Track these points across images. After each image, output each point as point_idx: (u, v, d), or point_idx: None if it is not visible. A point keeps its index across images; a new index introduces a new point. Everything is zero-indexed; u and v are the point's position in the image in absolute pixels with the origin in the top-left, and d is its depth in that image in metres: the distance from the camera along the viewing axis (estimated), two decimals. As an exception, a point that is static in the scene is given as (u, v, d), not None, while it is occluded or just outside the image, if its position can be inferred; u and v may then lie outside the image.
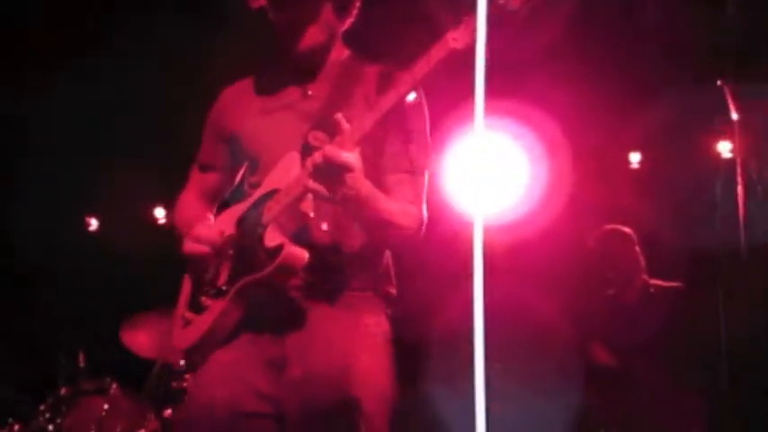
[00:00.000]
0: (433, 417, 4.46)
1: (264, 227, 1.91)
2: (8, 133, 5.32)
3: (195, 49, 4.75)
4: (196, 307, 2.03)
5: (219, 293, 1.97)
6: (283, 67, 2.14)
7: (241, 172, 2.16)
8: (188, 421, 2.05)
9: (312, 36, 2.05)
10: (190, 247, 2.01)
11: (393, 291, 2.09)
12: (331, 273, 1.96)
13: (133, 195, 5.79)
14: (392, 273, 2.10)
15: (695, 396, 3.92)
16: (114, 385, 3.87)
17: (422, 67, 1.76)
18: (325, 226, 1.97)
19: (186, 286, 2.11)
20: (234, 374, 1.93)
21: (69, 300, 5.60)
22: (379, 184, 1.96)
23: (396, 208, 1.97)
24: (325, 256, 1.94)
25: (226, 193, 2.23)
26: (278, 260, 1.85)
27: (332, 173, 1.77)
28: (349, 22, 2.15)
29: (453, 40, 1.71)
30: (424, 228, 2.04)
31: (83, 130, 5.32)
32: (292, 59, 2.10)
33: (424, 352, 4.69)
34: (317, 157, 1.77)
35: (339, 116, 1.82)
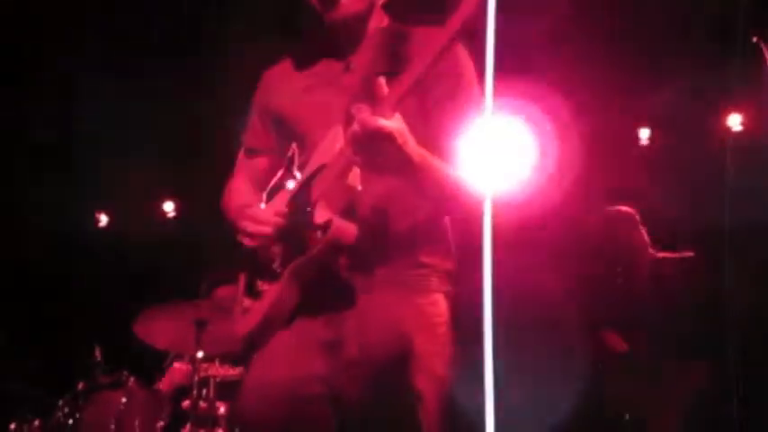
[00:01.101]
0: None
1: (314, 205, 1.87)
2: (15, 131, 5.34)
3: (205, 43, 4.74)
4: (253, 292, 1.99)
5: (275, 277, 1.93)
6: (322, 42, 2.09)
7: (289, 154, 2.10)
8: (246, 406, 2.03)
9: (349, 4, 2.00)
10: (252, 227, 1.95)
11: (452, 266, 2.02)
12: (383, 249, 1.91)
13: (142, 190, 5.80)
14: (452, 246, 2.03)
15: (704, 371, 3.90)
16: (131, 379, 3.89)
17: (454, 23, 1.66)
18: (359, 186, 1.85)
19: (242, 277, 2.07)
20: (289, 358, 1.91)
21: (83, 295, 5.64)
22: (435, 143, 1.88)
23: (456, 175, 1.88)
24: (377, 230, 1.89)
25: (274, 176, 2.17)
26: (327, 236, 1.80)
27: (371, 141, 1.69)
28: None
29: None
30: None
31: (91, 125, 5.33)
32: (331, 31, 2.05)
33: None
34: (355, 126, 1.69)
35: (381, 80, 1.74)
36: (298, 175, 2.00)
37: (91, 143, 5.40)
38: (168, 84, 5.04)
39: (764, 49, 2.95)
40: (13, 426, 3.77)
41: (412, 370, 1.86)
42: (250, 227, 1.96)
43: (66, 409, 3.80)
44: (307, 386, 1.89)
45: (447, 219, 2.03)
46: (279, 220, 1.93)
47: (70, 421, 3.78)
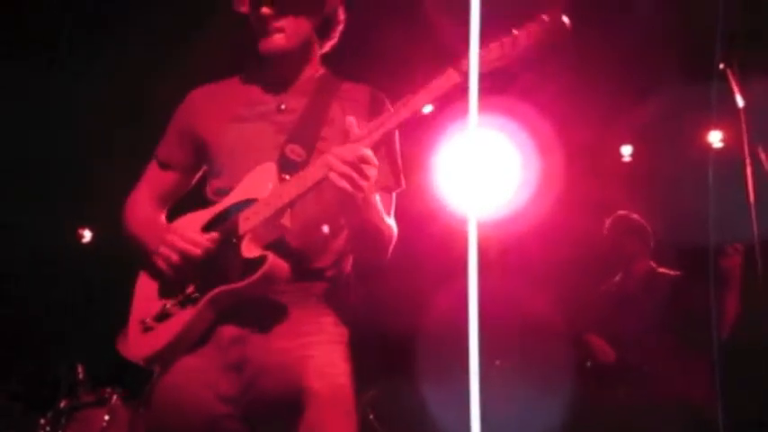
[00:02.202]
0: (430, 414, 4.46)
1: (241, 237, 1.91)
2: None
3: (183, 58, 4.74)
4: (159, 311, 1.99)
5: (188, 301, 1.94)
6: (258, 77, 2.16)
7: (197, 176, 2.19)
8: (159, 422, 2.01)
9: (281, 38, 2.06)
10: (181, 244, 1.95)
11: (353, 298, 2.09)
12: (300, 279, 1.96)
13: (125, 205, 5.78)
14: (352, 280, 2.11)
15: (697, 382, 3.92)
16: (114, 396, 3.86)
17: (423, 99, 1.82)
18: (326, 228, 1.99)
19: (144, 290, 2.08)
20: (197, 379, 1.92)
21: (65, 312, 5.59)
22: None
23: (387, 218, 2.01)
24: (297, 264, 1.94)
25: (178, 194, 2.24)
26: (261, 272, 1.85)
27: (359, 167, 1.79)
28: (329, 45, 2.19)
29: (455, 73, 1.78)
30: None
31: (72, 141, 5.31)
32: (264, 65, 2.12)
33: (421, 349, 4.70)
34: (348, 154, 1.78)
35: (351, 120, 1.85)
36: (211, 200, 2.05)
37: (73, 158, 5.39)
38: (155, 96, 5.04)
39: (730, 76, 3.01)
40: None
41: (308, 378, 1.89)
42: (178, 243, 1.96)
43: (48, 428, 3.76)
44: (214, 407, 1.90)
45: (364, 257, 2.09)
46: (209, 244, 1.95)
47: (52, 439, 3.74)
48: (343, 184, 1.78)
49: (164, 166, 2.23)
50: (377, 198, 1.93)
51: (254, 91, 2.14)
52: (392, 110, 1.89)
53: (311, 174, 1.87)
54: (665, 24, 4.55)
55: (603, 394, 4.14)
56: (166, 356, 1.96)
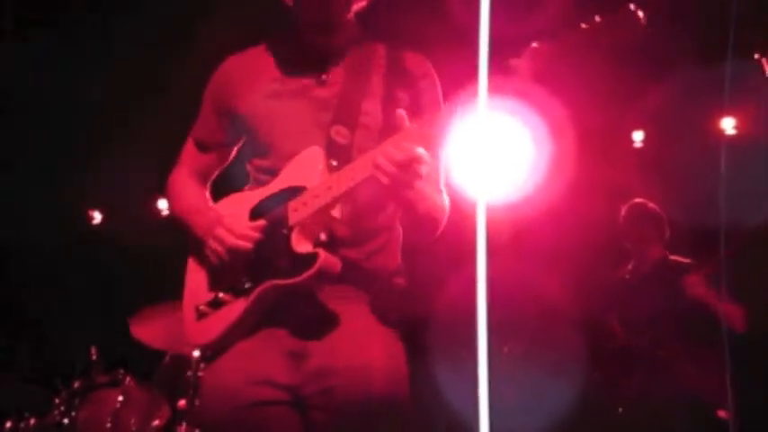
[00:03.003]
0: (439, 401, 4.48)
1: (291, 229, 1.88)
2: (9, 128, 5.33)
3: (199, 35, 4.73)
4: (213, 299, 1.99)
5: (240, 292, 1.94)
6: (295, 46, 2.07)
7: (236, 149, 2.14)
8: (206, 409, 2.05)
9: (343, 27, 2.02)
10: (232, 241, 1.93)
11: (404, 283, 2.07)
12: (351, 269, 1.94)
13: (135, 187, 5.80)
14: (403, 267, 2.09)
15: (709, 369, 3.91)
16: (128, 377, 3.89)
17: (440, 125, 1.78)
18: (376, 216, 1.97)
19: (196, 275, 2.06)
20: (249, 365, 1.92)
21: (78, 294, 5.64)
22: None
23: (438, 200, 1.99)
24: (347, 254, 1.92)
25: (219, 170, 2.21)
26: (314, 269, 1.82)
27: (406, 170, 1.76)
28: (363, 3, 2.08)
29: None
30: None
31: (82, 120, 5.33)
32: (306, 38, 2.04)
33: (432, 335, 4.71)
34: (398, 155, 1.74)
35: (401, 113, 1.80)
36: (256, 178, 2.02)
37: (86, 140, 5.41)
38: (164, 78, 5.05)
39: (766, 65, 2.96)
40: (9, 424, 3.78)
41: (376, 383, 1.90)
42: (228, 239, 1.94)
43: (63, 408, 3.80)
44: (266, 393, 1.90)
45: (416, 240, 2.07)
46: (257, 235, 1.93)
47: (66, 420, 3.78)
48: (391, 183, 1.76)
49: (201, 145, 2.19)
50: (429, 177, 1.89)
51: (293, 62, 2.05)
52: (443, 104, 1.86)
53: (360, 168, 1.82)
54: (680, 5, 4.49)
55: (617, 381, 4.15)
56: (221, 344, 1.97)
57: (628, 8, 1.66)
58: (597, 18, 1.68)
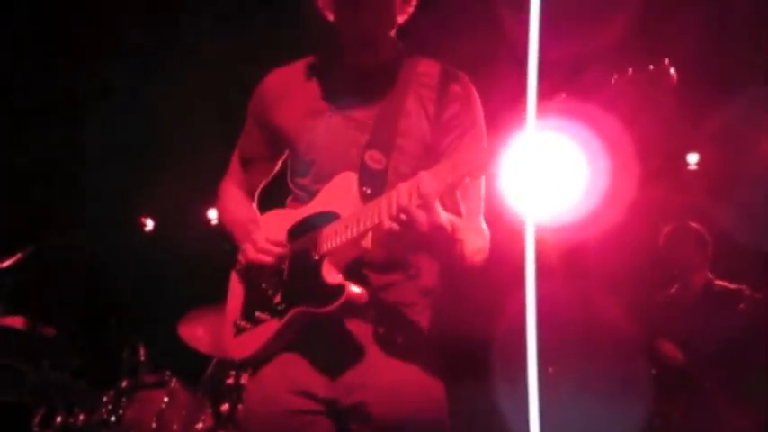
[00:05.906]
0: (491, 422, 4.44)
1: (323, 257, 1.91)
2: (65, 140, 5.50)
3: (249, 49, 4.81)
4: (250, 316, 2.04)
5: (275, 311, 1.98)
6: (337, 64, 2.08)
7: (280, 162, 2.19)
8: (248, 416, 2.11)
9: (385, 45, 2.03)
10: (253, 255, 1.99)
11: (443, 303, 2.08)
12: (384, 294, 1.96)
13: (187, 197, 5.94)
14: (438, 288, 2.08)
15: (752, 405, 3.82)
16: (174, 379, 3.95)
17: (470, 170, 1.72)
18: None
19: (236, 290, 2.11)
20: (290, 375, 1.96)
21: (131, 297, 5.77)
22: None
23: (471, 236, 1.94)
24: (377, 280, 1.94)
25: (265, 181, 2.25)
26: (339, 302, 1.85)
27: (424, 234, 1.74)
28: (406, 15, 2.08)
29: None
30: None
31: (137, 131, 5.46)
32: (347, 56, 2.05)
33: (482, 355, 4.68)
34: (404, 217, 1.71)
35: (424, 175, 1.73)
36: (297, 195, 2.05)
37: (141, 149, 5.55)
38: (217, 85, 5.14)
39: None
40: (59, 418, 3.86)
41: (411, 405, 1.91)
42: (250, 253, 2.00)
43: (110, 405, 3.87)
44: (304, 402, 1.93)
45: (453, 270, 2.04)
46: (277, 250, 1.98)
47: (112, 418, 3.85)
48: (396, 230, 1.74)
49: (245, 160, 2.24)
50: (454, 225, 1.83)
51: (331, 78, 2.07)
52: (482, 125, 1.88)
53: (386, 205, 1.79)
54: (743, 25, 4.41)
55: (663, 405, 4.07)
56: (258, 360, 2.03)
57: (663, 64, 1.64)
58: (630, 71, 1.66)
